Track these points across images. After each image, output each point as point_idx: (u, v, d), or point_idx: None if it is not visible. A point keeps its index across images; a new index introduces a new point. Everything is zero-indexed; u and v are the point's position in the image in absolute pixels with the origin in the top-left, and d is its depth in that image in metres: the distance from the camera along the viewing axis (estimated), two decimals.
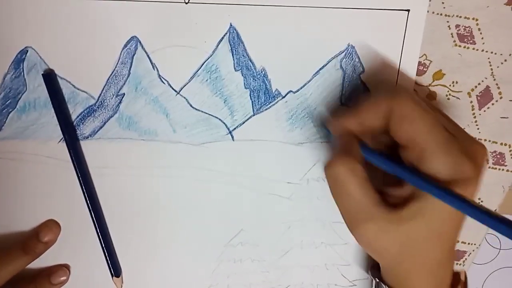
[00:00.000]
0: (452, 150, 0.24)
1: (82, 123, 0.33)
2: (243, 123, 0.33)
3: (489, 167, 0.35)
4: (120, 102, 0.32)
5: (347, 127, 0.28)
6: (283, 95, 0.32)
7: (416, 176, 0.25)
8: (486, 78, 0.33)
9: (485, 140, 0.34)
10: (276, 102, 0.33)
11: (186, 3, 0.30)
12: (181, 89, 0.32)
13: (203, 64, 0.32)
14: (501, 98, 0.33)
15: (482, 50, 0.32)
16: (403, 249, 0.26)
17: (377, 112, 0.27)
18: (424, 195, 0.25)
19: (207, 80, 0.32)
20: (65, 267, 0.35)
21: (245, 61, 0.32)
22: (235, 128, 0.33)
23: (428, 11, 0.31)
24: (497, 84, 0.33)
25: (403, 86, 0.30)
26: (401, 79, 0.32)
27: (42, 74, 0.31)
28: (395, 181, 0.27)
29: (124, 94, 0.32)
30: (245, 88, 0.32)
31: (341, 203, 0.27)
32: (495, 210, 0.36)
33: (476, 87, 0.33)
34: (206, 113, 0.33)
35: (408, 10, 0.30)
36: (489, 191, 0.35)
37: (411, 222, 0.25)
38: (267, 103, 0.33)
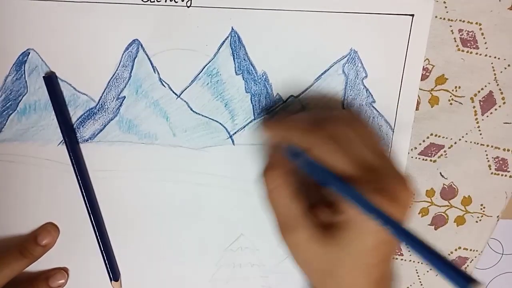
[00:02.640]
0: (368, 192, 0.23)
1: (82, 126, 0.32)
2: (244, 127, 0.33)
3: (492, 173, 0.35)
4: (120, 105, 0.32)
5: (276, 139, 0.28)
6: (284, 100, 0.32)
7: (343, 188, 0.24)
8: (489, 83, 0.32)
9: (488, 145, 0.34)
10: (277, 107, 0.32)
11: (188, 7, 0.30)
12: (182, 93, 0.32)
13: (204, 68, 0.31)
14: (504, 103, 0.33)
15: (485, 55, 0.32)
16: (329, 270, 0.25)
17: (300, 141, 0.26)
18: (352, 225, 0.24)
19: (208, 84, 0.32)
20: (64, 271, 0.35)
21: (246, 65, 0.31)
22: (235, 132, 0.33)
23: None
24: (500, 89, 0.33)
25: (339, 112, 0.29)
26: (404, 84, 0.32)
27: (43, 77, 0.31)
28: (328, 203, 0.27)
29: (124, 97, 0.32)
30: (246, 92, 0.32)
31: (272, 211, 0.27)
32: (498, 216, 0.36)
33: (479, 92, 0.33)
34: (207, 117, 0.33)
35: (413, 15, 0.30)
36: (492, 197, 0.35)
37: (337, 248, 0.25)
38: (268, 108, 0.32)
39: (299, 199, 0.26)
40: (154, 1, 0.30)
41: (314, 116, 0.28)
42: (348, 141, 0.25)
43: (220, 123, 0.33)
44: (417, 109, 0.33)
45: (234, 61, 0.31)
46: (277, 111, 0.32)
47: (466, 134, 0.34)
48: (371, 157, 0.25)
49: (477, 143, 0.34)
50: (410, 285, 0.38)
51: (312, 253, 0.26)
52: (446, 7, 0.30)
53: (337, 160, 0.25)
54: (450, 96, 0.33)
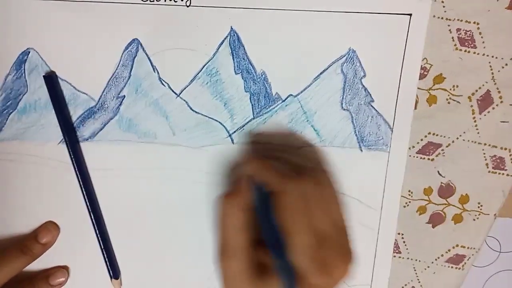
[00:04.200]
0: (304, 257, 0.25)
1: (82, 125, 0.33)
2: (243, 126, 0.33)
3: (489, 172, 0.35)
4: (120, 104, 0.32)
5: (245, 169, 0.29)
6: (283, 99, 0.32)
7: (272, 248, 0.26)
8: (486, 82, 0.33)
9: (485, 144, 0.34)
10: (276, 106, 0.33)
11: (188, 6, 0.30)
12: (181, 92, 0.32)
13: (203, 67, 0.32)
14: (501, 102, 0.33)
15: (483, 54, 0.32)
16: None
17: (268, 184, 0.27)
18: (278, 280, 0.25)
19: (207, 83, 0.32)
20: (64, 269, 0.35)
21: (245, 64, 0.32)
22: (235, 131, 0.33)
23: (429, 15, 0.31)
24: (497, 88, 0.33)
25: (315, 170, 0.30)
26: (403, 83, 0.32)
27: (43, 76, 0.31)
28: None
29: (124, 96, 0.32)
30: (245, 91, 0.32)
31: (218, 233, 0.28)
32: (495, 214, 0.36)
33: (476, 91, 0.33)
34: (206, 116, 0.33)
35: (410, 15, 0.30)
36: (489, 196, 0.35)
37: None
38: (267, 107, 0.33)
39: (245, 232, 0.27)
40: (153, 1, 0.30)
41: (296, 163, 0.29)
42: (308, 204, 0.26)
43: (219, 122, 0.33)
44: (415, 108, 0.33)
45: (234, 60, 0.31)
46: (276, 110, 0.33)
47: (464, 133, 0.34)
48: (327, 225, 0.26)
49: (475, 142, 0.34)
50: (408, 283, 0.38)
51: (239, 285, 0.26)
52: (444, 6, 0.31)
53: (294, 218, 0.26)
54: (448, 95, 0.33)
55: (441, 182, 0.35)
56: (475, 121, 0.34)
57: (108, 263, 0.35)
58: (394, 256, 0.37)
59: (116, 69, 0.31)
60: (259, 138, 0.33)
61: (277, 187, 0.27)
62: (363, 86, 0.32)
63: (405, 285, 0.38)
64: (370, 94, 0.32)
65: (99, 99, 0.32)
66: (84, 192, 0.33)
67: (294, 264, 0.25)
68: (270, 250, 0.26)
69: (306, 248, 0.25)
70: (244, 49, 0.31)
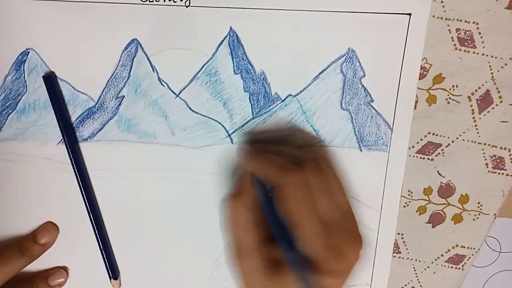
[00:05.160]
0: (315, 246, 0.25)
1: (82, 125, 0.33)
2: (242, 126, 0.33)
3: (489, 171, 0.35)
4: (119, 104, 0.32)
5: (251, 169, 0.29)
6: (283, 99, 0.32)
7: (283, 244, 0.26)
8: (486, 82, 0.33)
9: (485, 144, 0.34)
10: (276, 106, 0.33)
11: (187, 6, 0.30)
12: (181, 92, 0.32)
13: (203, 67, 0.31)
14: (501, 102, 0.33)
15: (483, 54, 0.32)
16: None
17: (267, 178, 0.27)
18: (290, 272, 0.25)
19: (206, 83, 0.32)
20: (63, 269, 0.35)
21: (244, 64, 0.32)
22: (234, 131, 0.33)
23: (428, 15, 0.31)
24: (497, 88, 0.33)
25: (313, 159, 0.29)
26: (402, 83, 0.32)
27: (43, 76, 0.31)
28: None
29: (123, 96, 0.32)
30: (245, 91, 0.32)
31: (230, 235, 0.28)
32: (495, 214, 0.36)
33: (476, 91, 0.33)
34: (205, 116, 0.33)
35: (410, 14, 0.30)
36: (489, 195, 0.35)
37: (277, 286, 0.26)
38: (267, 107, 0.33)
39: (256, 231, 0.27)
40: (153, 1, 0.30)
41: (290, 157, 0.28)
42: (311, 193, 0.26)
43: (218, 122, 0.33)
44: (414, 108, 0.33)
45: (233, 60, 0.31)
46: (275, 110, 0.33)
47: (464, 132, 0.34)
48: (333, 211, 0.26)
49: (474, 142, 0.34)
50: (408, 283, 0.38)
51: (255, 283, 0.26)
52: (443, 6, 0.31)
53: (299, 209, 0.26)
54: (448, 95, 0.33)
55: (441, 182, 0.35)
56: (474, 121, 0.34)
57: (107, 263, 0.35)
58: (394, 256, 0.37)
59: (116, 69, 0.31)
60: (259, 138, 0.33)
61: (278, 180, 0.27)
62: (363, 86, 0.32)
63: (405, 285, 0.38)
64: (370, 94, 0.32)
65: (99, 99, 0.32)
66: (83, 192, 0.33)
67: (306, 254, 0.25)
68: (280, 245, 0.26)
69: (316, 237, 0.25)
70: (243, 49, 0.31)
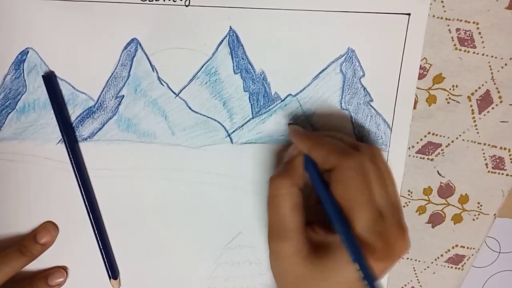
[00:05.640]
0: (369, 231, 0.25)
1: (81, 125, 0.33)
2: (242, 126, 0.33)
3: (489, 172, 0.35)
4: (119, 104, 0.32)
5: (299, 148, 0.29)
6: (283, 99, 0.32)
7: (337, 222, 0.25)
8: (486, 82, 0.33)
9: (485, 144, 0.34)
10: (275, 105, 0.33)
11: (187, 6, 0.30)
12: (180, 92, 0.32)
13: (202, 67, 0.31)
14: (501, 102, 0.33)
15: (483, 54, 0.32)
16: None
17: (326, 159, 0.27)
18: (336, 255, 0.25)
19: (206, 83, 0.32)
20: (63, 269, 0.35)
21: (244, 64, 0.32)
22: (234, 131, 0.33)
23: (428, 15, 0.31)
24: (497, 88, 0.33)
25: (370, 147, 0.29)
26: (402, 83, 0.32)
27: (42, 76, 0.31)
28: (324, 224, 0.27)
29: (123, 96, 0.32)
30: (244, 91, 0.32)
31: (270, 215, 0.28)
32: (494, 214, 0.36)
33: (476, 91, 0.33)
34: (205, 115, 0.33)
35: (409, 14, 0.30)
36: (489, 195, 0.35)
37: (316, 272, 0.25)
38: (266, 106, 0.33)
39: (298, 213, 0.27)
40: (152, 1, 0.30)
41: (345, 141, 0.28)
42: (368, 180, 0.26)
43: (218, 122, 0.33)
44: (414, 107, 0.33)
45: (232, 60, 0.31)
46: (275, 110, 0.33)
47: (463, 132, 0.34)
48: (383, 201, 0.26)
49: (474, 142, 0.34)
50: (408, 283, 0.38)
51: (291, 268, 0.26)
52: (443, 6, 0.31)
53: (358, 193, 0.25)
54: (448, 95, 0.33)
55: (441, 182, 0.35)
56: (474, 121, 0.34)
57: (107, 263, 0.35)
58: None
59: (115, 68, 0.31)
60: (258, 138, 0.33)
61: (335, 163, 0.26)
62: (362, 85, 0.32)
63: (405, 285, 0.38)
64: (369, 94, 0.32)
65: (98, 98, 0.32)
66: (83, 192, 0.33)
67: (360, 237, 0.25)
68: (335, 226, 0.26)
69: (370, 222, 0.25)
70: (243, 48, 0.31)
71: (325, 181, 0.27)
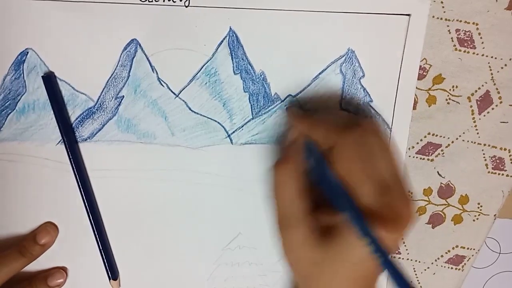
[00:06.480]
0: (372, 204, 0.24)
1: (81, 125, 0.33)
2: (242, 126, 0.33)
3: (489, 172, 0.35)
4: (119, 105, 0.32)
5: (300, 129, 0.28)
6: (282, 99, 0.32)
7: (344, 203, 0.25)
8: (486, 83, 0.33)
9: (485, 144, 0.34)
10: (275, 106, 0.33)
11: (186, 7, 0.30)
12: (180, 92, 0.32)
13: (202, 67, 0.31)
14: (501, 102, 0.33)
15: (482, 55, 0.32)
16: (316, 274, 0.26)
17: (326, 137, 0.27)
18: (345, 236, 0.25)
19: (206, 83, 0.32)
20: (63, 270, 0.35)
21: (244, 64, 0.32)
22: (234, 132, 0.33)
23: (428, 15, 0.31)
24: (497, 89, 0.33)
25: (371, 121, 0.29)
26: (402, 84, 0.32)
27: (42, 76, 0.31)
28: (330, 207, 0.27)
29: (123, 96, 0.32)
30: (244, 91, 0.32)
31: (277, 203, 0.27)
32: (495, 215, 0.36)
33: (476, 91, 0.33)
34: (205, 116, 0.33)
35: (409, 15, 0.30)
36: (489, 196, 0.35)
37: (328, 254, 0.25)
38: (266, 107, 0.33)
39: (304, 198, 0.26)
40: (152, 1, 0.30)
41: (343, 118, 0.28)
42: (370, 152, 0.26)
43: (218, 123, 0.33)
44: (414, 108, 0.33)
45: (232, 60, 0.31)
46: (275, 111, 0.33)
47: (463, 133, 0.34)
48: (386, 173, 0.25)
49: (474, 142, 0.34)
50: None
51: (303, 254, 0.26)
52: (443, 7, 0.31)
53: (358, 168, 0.25)
54: (447, 96, 0.33)
55: (441, 183, 0.35)
56: (474, 122, 0.34)
57: (106, 264, 0.34)
58: (394, 257, 0.37)
59: (115, 69, 0.31)
60: (258, 139, 0.33)
61: (336, 139, 0.26)
62: (362, 86, 0.32)
63: None
64: (369, 94, 0.32)
65: (98, 99, 0.32)
66: (83, 193, 0.33)
67: (365, 212, 0.24)
68: (338, 205, 0.25)
69: (377, 194, 0.24)
70: (243, 49, 0.31)
71: (326, 162, 0.26)
